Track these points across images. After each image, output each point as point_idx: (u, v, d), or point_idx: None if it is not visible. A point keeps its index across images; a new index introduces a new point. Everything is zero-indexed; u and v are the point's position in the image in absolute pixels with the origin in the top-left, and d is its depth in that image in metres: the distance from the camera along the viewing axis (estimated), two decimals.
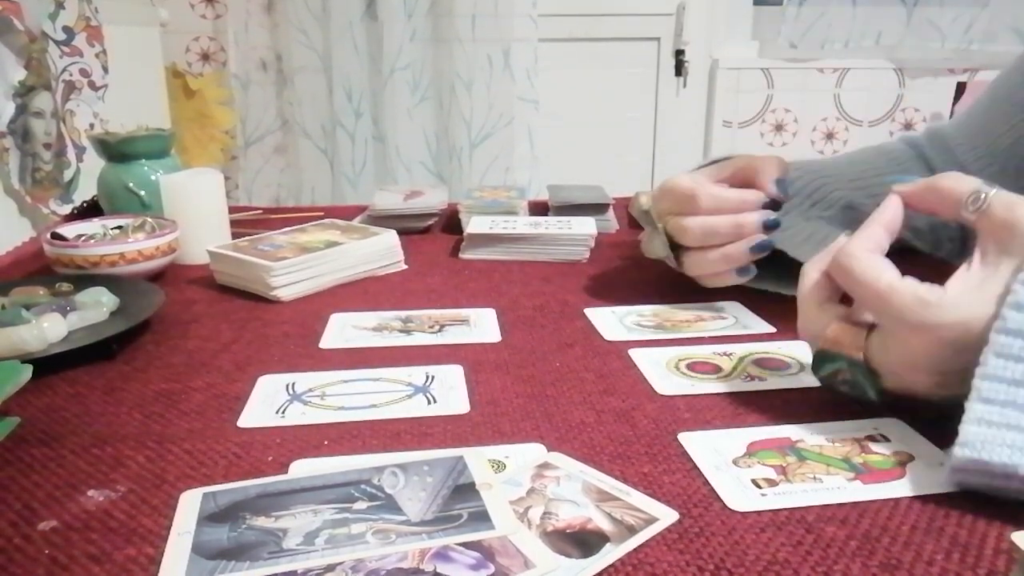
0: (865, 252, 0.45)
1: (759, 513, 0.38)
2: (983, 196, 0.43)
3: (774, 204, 0.63)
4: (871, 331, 0.45)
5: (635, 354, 0.58)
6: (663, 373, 0.55)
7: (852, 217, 0.70)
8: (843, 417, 0.48)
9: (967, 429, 0.38)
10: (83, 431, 0.48)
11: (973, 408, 0.38)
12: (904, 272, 0.44)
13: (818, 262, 0.48)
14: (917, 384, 0.44)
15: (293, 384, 0.54)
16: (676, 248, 0.68)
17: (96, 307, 0.62)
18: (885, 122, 2.17)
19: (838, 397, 0.50)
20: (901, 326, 0.42)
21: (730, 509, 0.38)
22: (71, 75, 1.19)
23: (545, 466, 0.43)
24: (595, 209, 0.98)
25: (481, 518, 0.37)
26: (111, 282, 0.67)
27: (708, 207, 0.64)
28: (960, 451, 0.38)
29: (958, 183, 0.45)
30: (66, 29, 1.18)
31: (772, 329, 0.63)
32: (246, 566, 0.34)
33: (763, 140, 2.14)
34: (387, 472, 0.41)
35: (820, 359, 0.47)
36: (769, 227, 0.63)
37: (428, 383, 0.54)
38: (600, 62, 2.03)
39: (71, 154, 1.16)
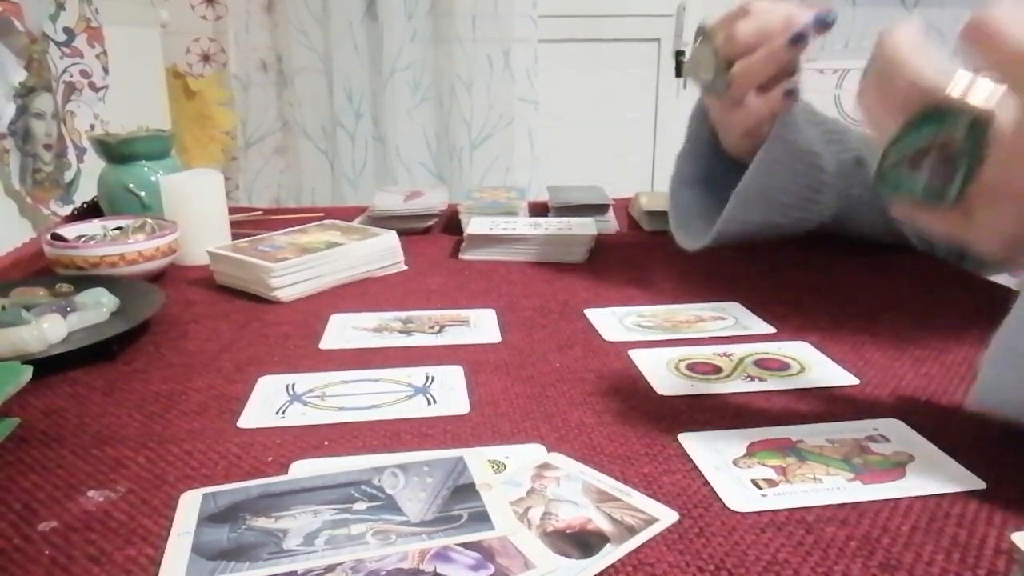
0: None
1: (759, 513, 0.38)
2: None
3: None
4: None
5: (635, 355, 0.58)
6: (663, 374, 0.55)
7: (864, 174, 0.71)
8: (843, 417, 0.48)
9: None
10: (83, 432, 0.48)
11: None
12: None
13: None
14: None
15: (293, 385, 0.54)
16: (721, 76, 0.67)
17: (96, 308, 0.62)
18: None
19: (838, 397, 0.51)
20: None
21: (730, 509, 0.38)
22: (71, 76, 1.19)
23: (545, 466, 0.43)
24: (595, 210, 0.98)
25: (481, 518, 0.37)
26: (111, 283, 0.67)
27: (759, 10, 0.64)
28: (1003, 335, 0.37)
29: None
30: (67, 30, 1.18)
31: (772, 330, 0.63)
32: (246, 567, 0.34)
33: None
34: (387, 473, 0.41)
35: (924, 121, 0.39)
36: (824, 24, 0.62)
37: (428, 384, 0.54)
38: (600, 63, 2.03)
39: (71, 155, 1.15)
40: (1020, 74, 0.37)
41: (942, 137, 0.38)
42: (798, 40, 0.62)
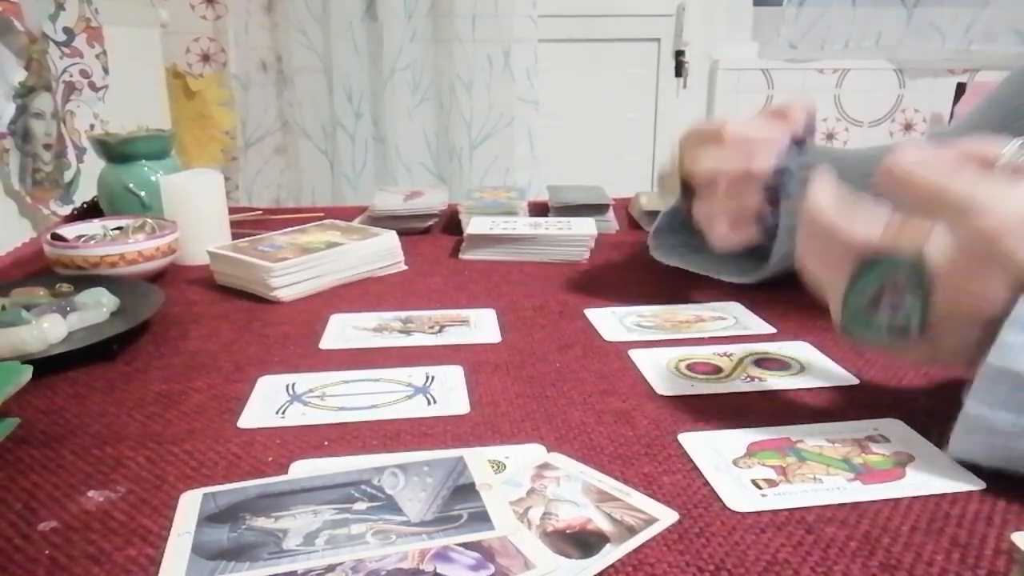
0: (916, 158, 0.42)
1: (759, 513, 0.38)
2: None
3: (799, 145, 0.61)
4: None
5: (635, 355, 0.58)
6: (663, 374, 0.55)
7: None
8: (843, 418, 0.48)
9: (1006, 334, 0.38)
10: (83, 432, 0.48)
11: (1015, 320, 0.38)
12: None
13: (826, 183, 0.45)
14: (985, 289, 0.40)
15: (293, 385, 0.54)
16: (691, 195, 0.65)
17: (96, 308, 0.62)
18: (885, 123, 2.17)
19: (838, 397, 0.51)
20: (970, 213, 0.39)
21: (730, 510, 0.38)
22: (71, 76, 1.19)
23: (545, 467, 0.43)
24: (595, 210, 0.98)
25: (481, 518, 0.37)
26: (111, 283, 0.67)
27: (732, 139, 0.61)
28: (994, 357, 0.38)
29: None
30: (66, 30, 1.18)
31: (772, 330, 0.63)
32: (246, 567, 0.34)
33: None
34: (387, 473, 0.41)
35: (866, 270, 0.42)
36: (782, 173, 0.59)
37: (428, 384, 0.54)
38: (600, 63, 2.03)
39: (71, 155, 1.15)
40: (938, 209, 0.40)
41: (888, 281, 0.41)
42: (769, 190, 0.59)
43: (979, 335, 0.40)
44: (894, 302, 0.41)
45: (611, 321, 0.65)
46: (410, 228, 0.95)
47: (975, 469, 0.41)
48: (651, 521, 0.37)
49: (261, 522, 0.37)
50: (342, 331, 0.64)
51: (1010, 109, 0.72)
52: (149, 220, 0.82)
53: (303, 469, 0.43)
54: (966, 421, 0.40)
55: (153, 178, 0.91)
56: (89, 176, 1.08)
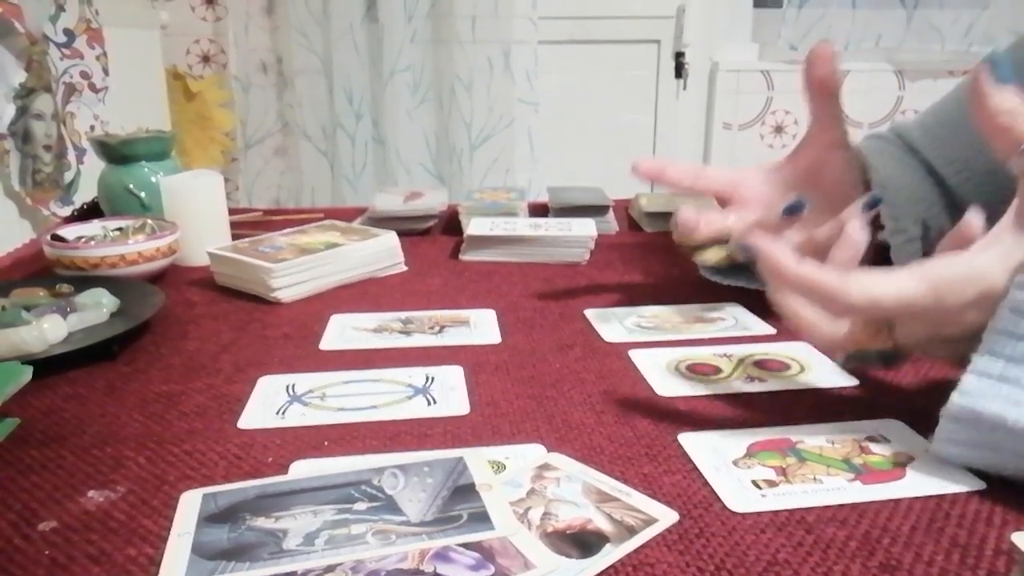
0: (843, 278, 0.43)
1: (759, 514, 0.38)
2: None
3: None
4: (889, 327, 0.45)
5: (635, 355, 0.58)
6: (663, 374, 0.55)
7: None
8: (843, 418, 0.48)
9: (968, 379, 0.39)
10: (83, 432, 0.48)
11: (977, 361, 0.39)
12: None
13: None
14: (948, 349, 0.45)
15: (293, 385, 0.54)
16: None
17: (96, 308, 0.62)
18: (885, 124, 2.17)
19: (838, 397, 0.51)
20: (918, 316, 0.43)
21: (730, 510, 0.38)
22: (72, 77, 1.19)
23: (545, 467, 0.43)
24: (595, 211, 0.98)
25: (481, 519, 0.37)
26: (111, 283, 0.67)
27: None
28: (957, 398, 0.39)
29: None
30: (67, 31, 1.18)
31: (772, 331, 0.63)
32: (246, 567, 0.34)
33: (763, 142, 2.14)
34: (387, 473, 0.41)
35: (851, 356, 0.51)
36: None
37: (428, 384, 0.54)
38: (600, 64, 2.03)
39: (71, 156, 1.16)
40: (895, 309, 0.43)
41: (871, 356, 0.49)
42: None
43: (962, 347, 0.42)
44: (881, 358, 0.50)
45: (611, 322, 0.65)
46: (410, 229, 0.96)
47: (975, 469, 0.41)
48: (651, 521, 0.37)
49: (261, 522, 0.37)
50: (342, 332, 0.64)
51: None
52: (149, 221, 0.82)
53: (303, 469, 0.43)
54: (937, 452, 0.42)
55: (153, 179, 0.91)
56: (89, 177, 1.08)
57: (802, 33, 2.05)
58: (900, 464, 0.42)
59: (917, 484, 0.40)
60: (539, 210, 1.03)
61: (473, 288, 0.76)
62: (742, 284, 0.69)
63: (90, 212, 0.98)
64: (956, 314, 0.42)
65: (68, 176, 1.14)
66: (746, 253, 0.48)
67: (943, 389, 0.48)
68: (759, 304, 0.68)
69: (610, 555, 0.35)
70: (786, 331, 0.63)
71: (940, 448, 0.41)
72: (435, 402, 0.51)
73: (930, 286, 0.41)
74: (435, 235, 0.98)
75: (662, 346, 0.60)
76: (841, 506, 0.39)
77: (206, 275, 0.79)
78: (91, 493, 0.41)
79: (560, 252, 0.85)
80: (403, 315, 0.68)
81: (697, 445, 0.45)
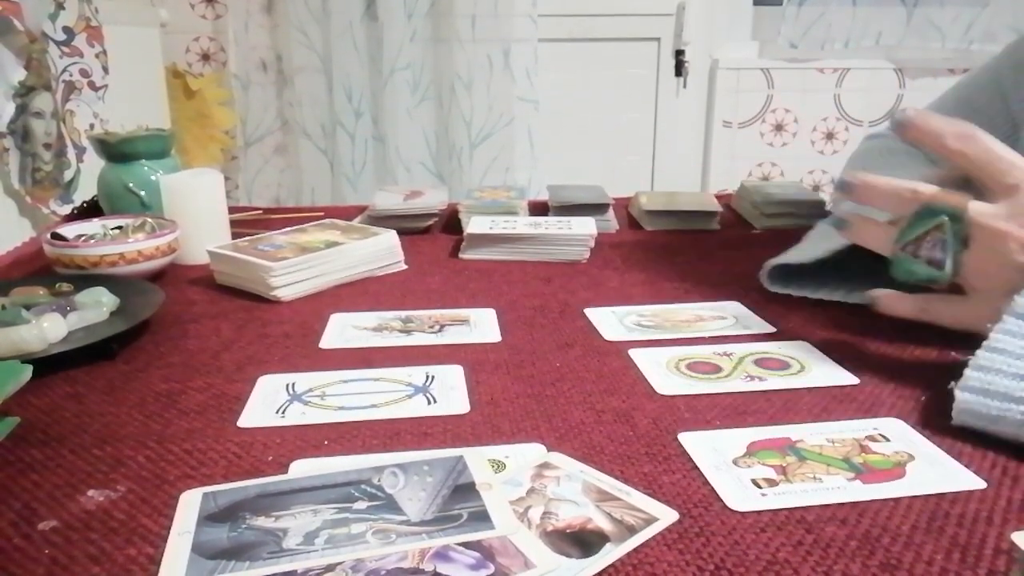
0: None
1: (759, 513, 0.38)
2: None
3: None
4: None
5: (635, 354, 0.58)
6: (663, 373, 0.55)
7: None
8: (843, 417, 0.48)
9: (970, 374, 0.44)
10: (83, 431, 0.48)
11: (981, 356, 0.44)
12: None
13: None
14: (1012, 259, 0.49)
15: (293, 384, 0.54)
16: None
17: (96, 307, 0.62)
18: (885, 122, 2.16)
19: (838, 396, 0.51)
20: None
21: (730, 509, 0.38)
22: (71, 75, 1.19)
23: (545, 466, 0.43)
24: (595, 209, 0.98)
25: (481, 518, 0.37)
26: (111, 282, 0.67)
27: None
28: (960, 395, 0.44)
29: None
30: (66, 29, 1.18)
31: (772, 329, 0.63)
32: (246, 566, 0.34)
33: (763, 140, 2.14)
34: (387, 472, 0.41)
35: (920, 217, 0.52)
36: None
37: (428, 383, 0.54)
38: (600, 62, 2.03)
39: (71, 154, 1.16)
40: (984, 175, 0.51)
41: (933, 230, 0.51)
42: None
43: (1005, 297, 0.47)
44: (934, 248, 0.51)
45: (611, 320, 0.65)
46: (410, 227, 0.95)
47: (976, 469, 0.41)
48: (651, 520, 0.37)
49: (261, 521, 0.37)
50: (342, 330, 0.64)
51: (974, 107, 0.73)
52: (149, 219, 0.82)
53: (303, 468, 0.43)
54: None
55: (153, 177, 0.91)
56: (89, 175, 1.08)
57: (802, 31, 2.05)
58: (900, 463, 0.42)
59: (917, 483, 0.40)
60: (539, 208, 1.03)
61: (473, 287, 0.76)
62: (806, 294, 0.69)
63: (90, 210, 0.98)
64: None
65: (68, 174, 1.14)
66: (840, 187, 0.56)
67: (943, 389, 0.48)
68: (759, 303, 0.69)
69: (610, 554, 0.35)
70: (786, 330, 0.63)
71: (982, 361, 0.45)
72: (435, 401, 0.51)
73: None
74: (435, 234, 0.98)
75: (662, 345, 0.60)
76: (841, 505, 0.39)
77: (206, 274, 0.79)
78: (91, 492, 0.41)
79: (560, 250, 0.85)
80: (403, 314, 0.68)
81: (697, 444, 0.45)
